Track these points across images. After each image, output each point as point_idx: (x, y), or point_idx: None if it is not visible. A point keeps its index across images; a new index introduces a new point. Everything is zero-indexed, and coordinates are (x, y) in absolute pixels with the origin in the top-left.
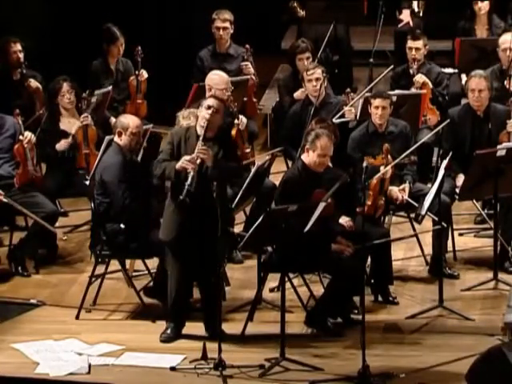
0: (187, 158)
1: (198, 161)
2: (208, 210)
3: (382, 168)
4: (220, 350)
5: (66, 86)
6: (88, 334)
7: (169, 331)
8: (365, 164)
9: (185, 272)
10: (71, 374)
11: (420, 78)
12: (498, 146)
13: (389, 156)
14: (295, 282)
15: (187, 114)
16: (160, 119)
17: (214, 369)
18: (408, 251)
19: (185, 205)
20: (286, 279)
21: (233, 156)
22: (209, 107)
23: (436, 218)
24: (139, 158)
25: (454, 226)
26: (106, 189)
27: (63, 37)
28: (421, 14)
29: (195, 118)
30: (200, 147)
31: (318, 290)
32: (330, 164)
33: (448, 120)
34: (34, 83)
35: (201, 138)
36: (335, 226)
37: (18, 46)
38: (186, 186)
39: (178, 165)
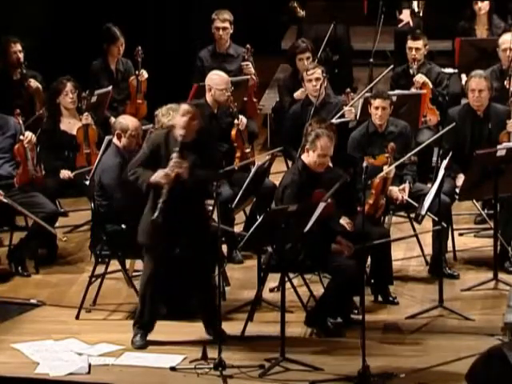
0: (161, 173)
1: (173, 174)
2: (189, 221)
3: (385, 167)
4: (220, 350)
5: (69, 86)
6: (88, 334)
7: (138, 337)
8: (365, 164)
9: (157, 276)
10: (71, 373)
11: (420, 77)
12: (498, 146)
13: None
14: (295, 282)
15: (166, 110)
16: None
17: (214, 369)
18: (408, 251)
19: (157, 223)
20: (286, 279)
21: (211, 160)
22: (183, 114)
23: (436, 218)
24: None
25: (454, 226)
26: (105, 191)
27: (63, 37)
28: (421, 14)
29: (176, 114)
30: (174, 160)
31: (318, 290)
32: (330, 164)
33: (454, 123)
34: (34, 83)
35: (177, 149)
36: (335, 225)
37: (18, 46)
38: (159, 204)
39: (152, 179)
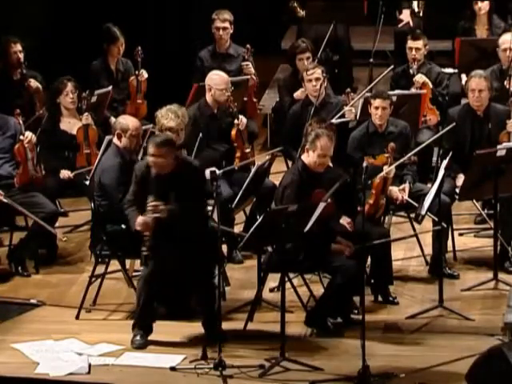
0: (140, 221)
1: (151, 221)
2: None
3: (385, 167)
4: (220, 350)
5: (70, 86)
6: (88, 333)
7: (138, 337)
8: (365, 164)
9: (155, 278)
10: (71, 373)
11: (420, 78)
12: (498, 146)
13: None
14: (295, 282)
15: (165, 112)
16: None
17: (214, 369)
18: (408, 251)
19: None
20: (286, 279)
21: (194, 191)
22: (150, 155)
23: (436, 219)
24: (139, 158)
25: (454, 226)
26: (105, 191)
27: (63, 37)
28: (421, 14)
29: (175, 116)
30: (149, 205)
31: (318, 290)
32: (330, 164)
33: (454, 124)
34: (34, 83)
35: (150, 196)
36: (335, 225)
37: (18, 46)
38: (144, 253)
39: (135, 228)
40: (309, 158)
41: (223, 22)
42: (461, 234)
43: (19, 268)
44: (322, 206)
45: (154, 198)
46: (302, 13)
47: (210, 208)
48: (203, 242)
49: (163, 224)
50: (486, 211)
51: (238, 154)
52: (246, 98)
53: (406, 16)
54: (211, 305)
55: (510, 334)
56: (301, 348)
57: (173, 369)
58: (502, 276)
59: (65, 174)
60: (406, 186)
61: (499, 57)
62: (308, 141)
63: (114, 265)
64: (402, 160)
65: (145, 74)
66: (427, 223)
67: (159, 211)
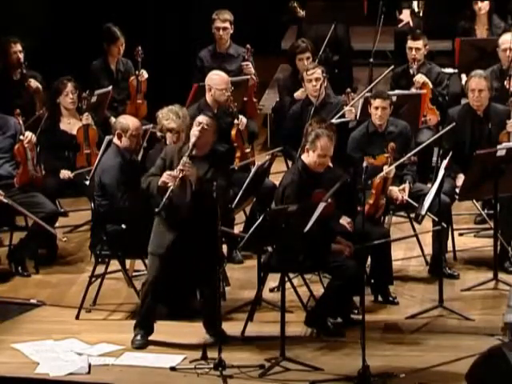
0: (169, 172)
1: (180, 175)
2: (199, 223)
3: (385, 167)
4: (220, 350)
5: (70, 86)
6: (88, 333)
7: (138, 337)
8: (365, 164)
9: (160, 282)
10: (71, 373)
11: (420, 78)
12: (498, 146)
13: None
14: (295, 282)
15: (166, 112)
16: None
17: (214, 369)
18: (408, 251)
19: (161, 217)
20: (286, 279)
21: (223, 175)
22: (199, 124)
23: (436, 219)
24: (139, 158)
25: (454, 226)
26: (106, 191)
27: (63, 37)
28: (421, 14)
29: (177, 117)
30: (183, 162)
31: (318, 290)
32: (330, 164)
33: (454, 124)
34: (34, 83)
35: (187, 154)
36: (335, 226)
37: (18, 46)
38: (163, 200)
39: (161, 180)
40: (309, 157)
41: (223, 22)
42: (461, 234)
43: (19, 268)
44: (321, 206)
45: (188, 158)
46: (301, 13)
47: None
48: (213, 235)
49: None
50: (485, 211)
51: (237, 154)
52: (246, 98)
53: (406, 16)
54: (213, 303)
55: (510, 333)
56: (301, 348)
57: (173, 369)
58: (501, 276)
59: (65, 173)
60: (406, 186)
61: (499, 57)
62: (308, 141)
63: (114, 265)
64: (401, 160)
65: (145, 74)
66: (427, 223)
67: (190, 171)
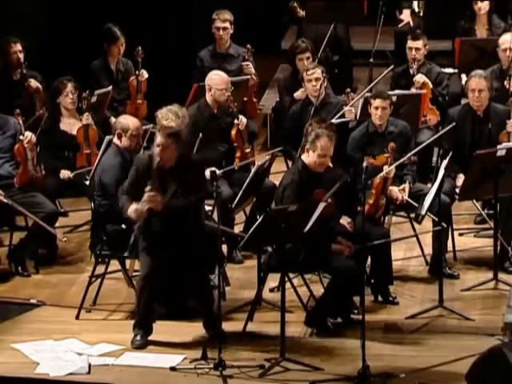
0: (134, 207)
1: (146, 207)
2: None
3: (385, 167)
4: (220, 350)
5: (70, 87)
6: (88, 333)
7: (138, 337)
8: (365, 164)
9: (153, 277)
10: (71, 373)
11: (420, 77)
12: (498, 146)
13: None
14: (295, 282)
15: (165, 112)
16: None
17: (214, 369)
18: (408, 251)
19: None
20: (286, 279)
21: (194, 186)
22: (157, 145)
23: (436, 219)
24: None
25: (454, 226)
26: (106, 191)
27: (63, 37)
28: (421, 14)
29: (176, 117)
30: (147, 194)
31: (318, 290)
32: (330, 164)
33: (453, 123)
34: (34, 83)
35: (149, 186)
36: (335, 225)
37: (18, 46)
38: (132, 237)
39: (128, 213)
40: (309, 157)
41: (223, 22)
42: (461, 234)
43: (19, 268)
44: (322, 206)
45: (153, 188)
46: (302, 13)
47: (209, 208)
48: (198, 242)
49: (158, 218)
50: (485, 211)
51: (237, 154)
52: (246, 98)
53: (406, 16)
54: (209, 306)
55: (510, 333)
56: (301, 348)
57: (173, 369)
58: (501, 276)
59: (65, 174)
60: (406, 186)
61: (499, 57)
62: (308, 141)
63: (114, 265)
64: (401, 160)
65: (145, 74)
66: (427, 223)
67: (155, 202)
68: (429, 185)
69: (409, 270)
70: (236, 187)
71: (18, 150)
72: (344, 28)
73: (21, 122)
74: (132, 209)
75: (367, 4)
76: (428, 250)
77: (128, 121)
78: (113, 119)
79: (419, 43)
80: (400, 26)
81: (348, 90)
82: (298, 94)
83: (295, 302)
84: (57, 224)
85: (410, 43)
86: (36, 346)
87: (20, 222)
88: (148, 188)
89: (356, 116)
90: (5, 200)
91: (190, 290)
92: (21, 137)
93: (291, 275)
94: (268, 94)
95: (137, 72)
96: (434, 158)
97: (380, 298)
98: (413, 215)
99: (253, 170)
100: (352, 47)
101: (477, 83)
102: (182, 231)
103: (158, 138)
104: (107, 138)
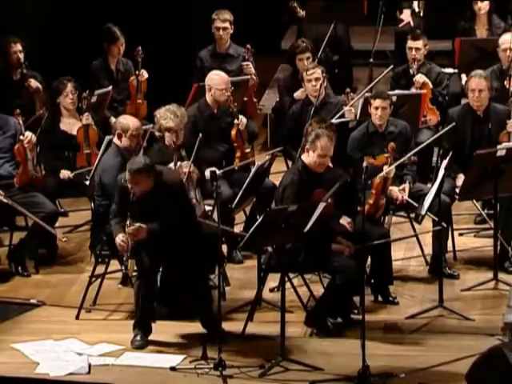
0: (118, 240)
1: (131, 242)
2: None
3: (385, 167)
4: (220, 350)
5: (70, 87)
6: (88, 333)
7: (138, 338)
8: (365, 164)
9: (149, 277)
10: (71, 373)
11: (420, 78)
12: (498, 146)
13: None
14: (295, 282)
15: (164, 112)
16: None
17: (214, 369)
18: (408, 251)
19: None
20: (286, 279)
21: (171, 208)
22: (128, 182)
23: (436, 219)
24: None
25: (454, 226)
26: (106, 191)
27: (63, 37)
28: (421, 14)
29: (174, 116)
30: (127, 229)
31: (318, 290)
32: (330, 164)
33: (453, 123)
34: (34, 83)
35: (128, 219)
36: (335, 225)
37: (18, 46)
38: (123, 271)
39: (116, 243)
40: (309, 157)
41: (223, 22)
42: (461, 234)
43: (19, 268)
44: (321, 206)
45: (131, 220)
46: (301, 13)
47: (209, 208)
48: (189, 253)
49: (146, 241)
50: (485, 211)
51: (237, 154)
52: (246, 98)
53: (406, 16)
54: (207, 308)
55: (510, 333)
56: (301, 348)
57: (173, 369)
58: (501, 276)
59: (65, 174)
60: (406, 186)
61: (499, 57)
62: (308, 141)
63: (114, 265)
64: (401, 160)
65: (145, 74)
66: (427, 223)
67: (138, 234)
68: (429, 185)
69: (409, 270)
70: (236, 187)
71: (18, 150)
72: (344, 28)
73: (21, 121)
74: (118, 243)
75: (367, 4)
76: (428, 249)
77: (128, 121)
78: (113, 119)
79: (419, 43)
80: (400, 25)
81: (348, 90)
82: (297, 94)
83: (295, 302)
84: (57, 224)
85: (410, 43)
86: (36, 346)
87: (20, 221)
88: (128, 222)
89: (356, 116)
90: (5, 200)
91: (190, 290)
92: (21, 137)
93: (291, 275)
94: (268, 94)
95: (137, 72)
96: (434, 158)
97: (380, 298)
98: (413, 215)
99: (253, 170)
100: (352, 47)
101: (477, 83)
102: (169, 248)
103: (127, 175)
104: (107, 138)
